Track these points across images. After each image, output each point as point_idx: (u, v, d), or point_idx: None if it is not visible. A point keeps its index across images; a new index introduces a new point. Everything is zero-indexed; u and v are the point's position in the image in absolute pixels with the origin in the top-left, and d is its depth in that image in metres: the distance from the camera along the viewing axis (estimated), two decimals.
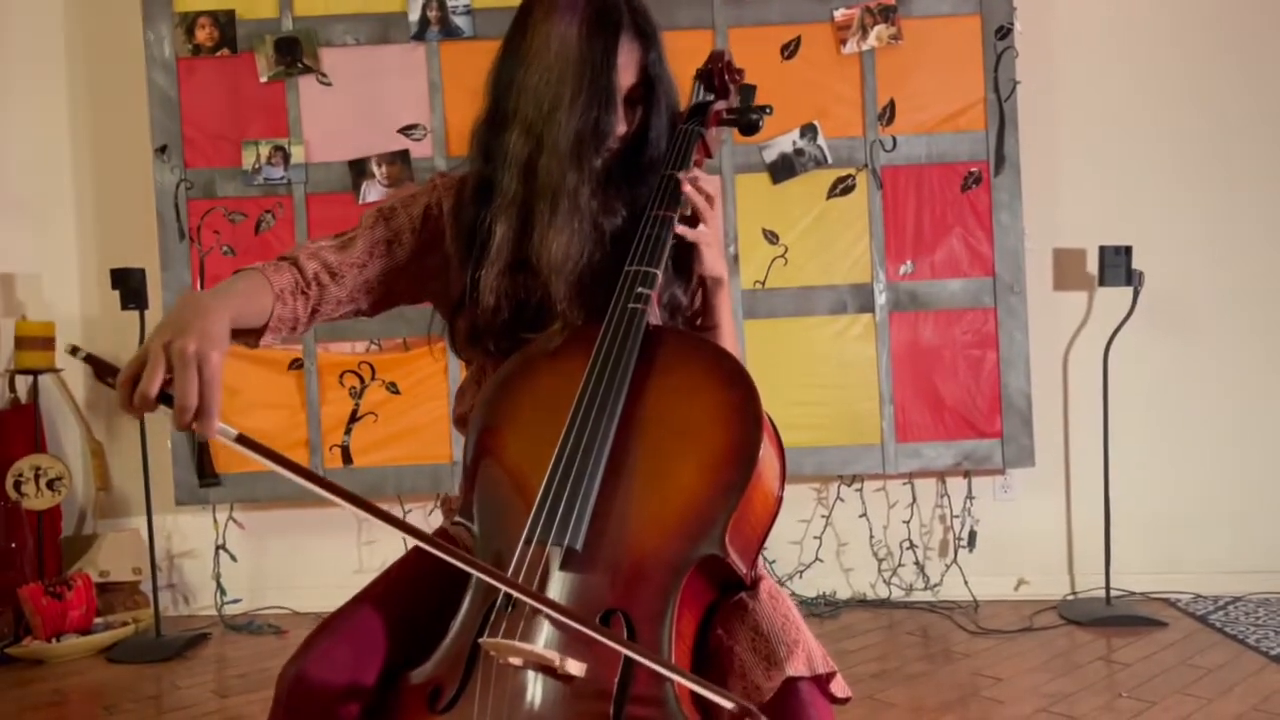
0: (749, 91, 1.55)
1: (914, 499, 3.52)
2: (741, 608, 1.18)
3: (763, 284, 3.42)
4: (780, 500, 1.21)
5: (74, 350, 1.07)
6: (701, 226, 1.33)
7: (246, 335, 1.26)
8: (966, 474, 3.50)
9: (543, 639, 1.07)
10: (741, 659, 1.14)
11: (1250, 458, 3.49)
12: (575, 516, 1.12)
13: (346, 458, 3.45)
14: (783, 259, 3.42)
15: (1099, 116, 3.50)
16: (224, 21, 3.44)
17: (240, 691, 2.91)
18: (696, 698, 1.04)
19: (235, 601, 3.58)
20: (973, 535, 3.50)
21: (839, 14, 3.39)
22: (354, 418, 3.46)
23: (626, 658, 1.04)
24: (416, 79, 3.44)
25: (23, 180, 3.67)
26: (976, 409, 3.39)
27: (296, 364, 3.45)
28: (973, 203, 3.38)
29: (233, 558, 3.56)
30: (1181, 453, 3.50)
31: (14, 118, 3.66)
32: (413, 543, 1.08)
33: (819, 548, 3.53)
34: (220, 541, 3.56)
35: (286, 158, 3.45)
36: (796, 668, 1.13)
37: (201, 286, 3.39)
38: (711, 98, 1.49)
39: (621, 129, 1.34)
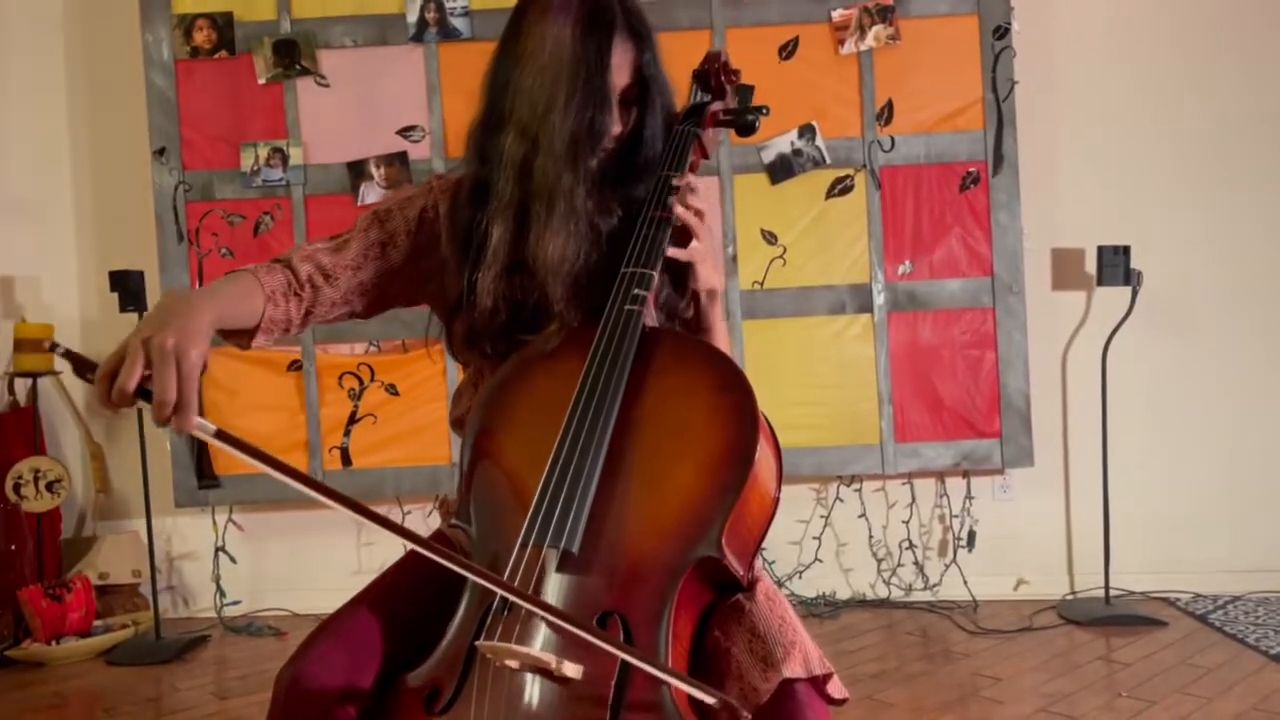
0: (746, 92, 1.54)
1: (913, 499, 3.52)
2: (739, 609, 1.18)
3: (761, 284, 3.42)
4: (777, 501, 1.21)
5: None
6: (694, 244, 1.32)
7: (238, 336, 1.26)
8: (965, 474, 3.50)
9: (539, 642, 1.07)
10: (739, 661, 1.14)
11: (1250, 457, 3.49)
12: (571, 519, 1.12)
13: (346, 459, 3.45)
14: (781, 259, 3.42)
15: (1097, 116, 3.50)
16: (222, 23, 3.44)
17: (240, 693, 2.91)
18: (694, 700, 1.04)
19: (235, 603, 3.58)
20: (972, 535, 3.50)
21: (837, 14, 3.39)
22: (353, 419, 3.46)
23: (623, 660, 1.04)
24: (415, 80, 3.44)
25: (22, 182, 3.67)
26: (975, 409, 3.39)
27: (295, 366, 3.45)
28: (971, 203, 3.38)
29: (232, 560, 3.56)
30: (1181, 452, 3.50)
31: (13, 120, 3.67)
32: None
33: (818, 548, 3.53)
34: (220, 543, 3.56)
35: (285, 159, 3.45)
36: (793, 669, 1.13)
37: (199, 287, 3.39)
38: (708, 98, 1.48)
39: (616, 129, 1.33)
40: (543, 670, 1.05)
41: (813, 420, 3.38)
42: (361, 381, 3.45)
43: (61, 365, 3.53)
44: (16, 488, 3.35)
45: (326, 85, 3.45)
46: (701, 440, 1.18)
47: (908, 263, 3.40)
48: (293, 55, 3.44)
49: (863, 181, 3.40)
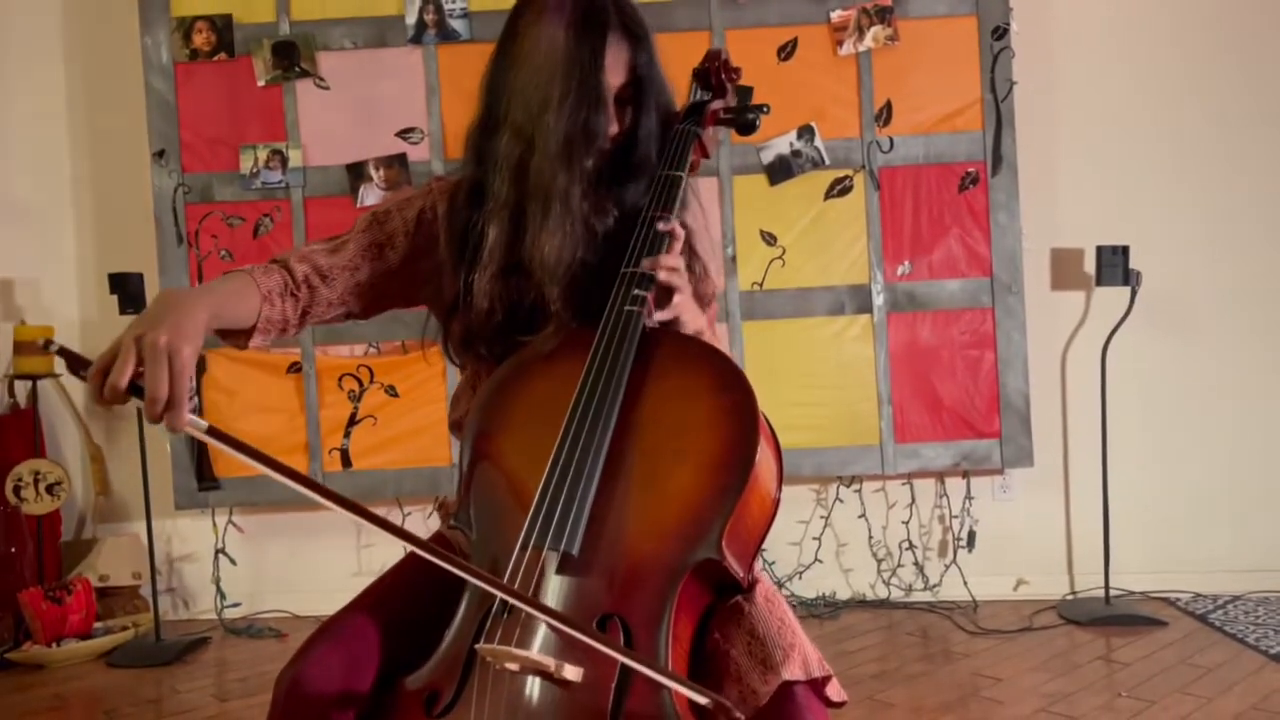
0: (746, 91, 1.54)
1: (913, 499, 3.52)
2: (738, 611, 1.18)
3: (760, 285, 3.42)
4: (778, 503, 1.21)
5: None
6: (676, 298, 1.29)
7: (235, 336, 1.26)
8: (965, 474, 3.50)
9: (539, 644, 1.07)
10: (738, 663, 1.14)
11: (1250, 457, 3.49)
12: (571, 521, 1.12)
13: (346, 461, 3.45)
14: (780, 260, 3.42)
15: (1097, 116, 3.50)
16: (221, 26, 3.44)
17: (240, 695, 2.91)
18: (694, 702, 1.04)
19: (235, 605, 3.58)
20: (972, 535, 3.50)
21: (835, 15, 3.39)
22: (353, 421, 3.46)
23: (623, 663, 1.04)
24: (414, 82, 3.44)
25: (21, 185, 3.67)
26: (975, 409, 3.39)
27: (295, 367, 3.45)
28: (970, 203, 3.38)
29: (232, 561, 3.56)
30: (1180, 452, 3.49)
31: (12, 122, 3.66)
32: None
33: (818, 549, 3.53)
34: (220, 545, 3.55)
35: (284, 161, 3.45)
36: (793, 672, 1.13)
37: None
38: (708, 97, 1.48)
39: (612, 129, 1.33)
40: (543, 673, 1.05)
41: (812, 421, 3.38)
42: (361, 383, 3.45)
43: (59, 366, 3.53)
44: (16, 490, 3.35)
45: (326, 87, 3.45)
46: (702, 441, 1.18)
47: (907, 263, 3.40)
48: (292, 57, 3.44)
49: (862, 182, 3.40)
